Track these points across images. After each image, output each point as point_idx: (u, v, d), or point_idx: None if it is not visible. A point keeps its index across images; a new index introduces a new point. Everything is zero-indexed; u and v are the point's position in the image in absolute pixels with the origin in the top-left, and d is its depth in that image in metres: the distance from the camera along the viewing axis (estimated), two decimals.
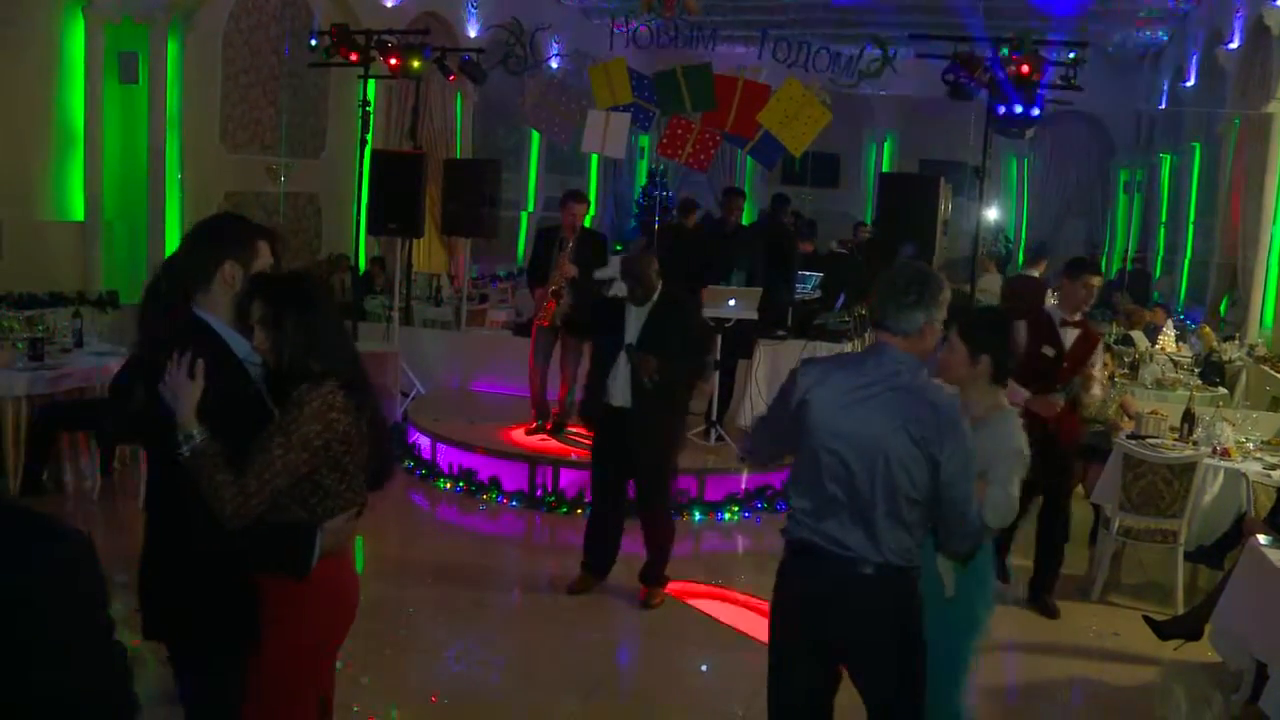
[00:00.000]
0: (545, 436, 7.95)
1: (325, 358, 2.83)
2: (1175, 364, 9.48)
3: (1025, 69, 7.92)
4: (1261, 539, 5.09)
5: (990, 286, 12.78)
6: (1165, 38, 16.70)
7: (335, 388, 2.82)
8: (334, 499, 2.85)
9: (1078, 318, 5.98)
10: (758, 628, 5.69)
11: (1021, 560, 6.33)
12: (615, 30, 10.28)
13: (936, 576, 3.33)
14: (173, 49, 10.01)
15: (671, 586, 5.97)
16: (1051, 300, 8.97)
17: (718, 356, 8.04)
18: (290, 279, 2.95)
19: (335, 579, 2.93)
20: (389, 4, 12.34)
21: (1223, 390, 8.94)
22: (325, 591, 2.90)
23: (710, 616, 5.90)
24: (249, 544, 2.78)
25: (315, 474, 2.80)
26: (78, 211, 9.66)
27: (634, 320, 5.77)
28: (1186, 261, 14.66)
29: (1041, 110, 8.25)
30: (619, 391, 5.73)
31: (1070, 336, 5.93)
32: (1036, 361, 5.73)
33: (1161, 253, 16.44)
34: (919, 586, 3.08)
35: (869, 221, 16.32)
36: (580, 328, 7.62)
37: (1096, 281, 6.12)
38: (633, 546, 6.04)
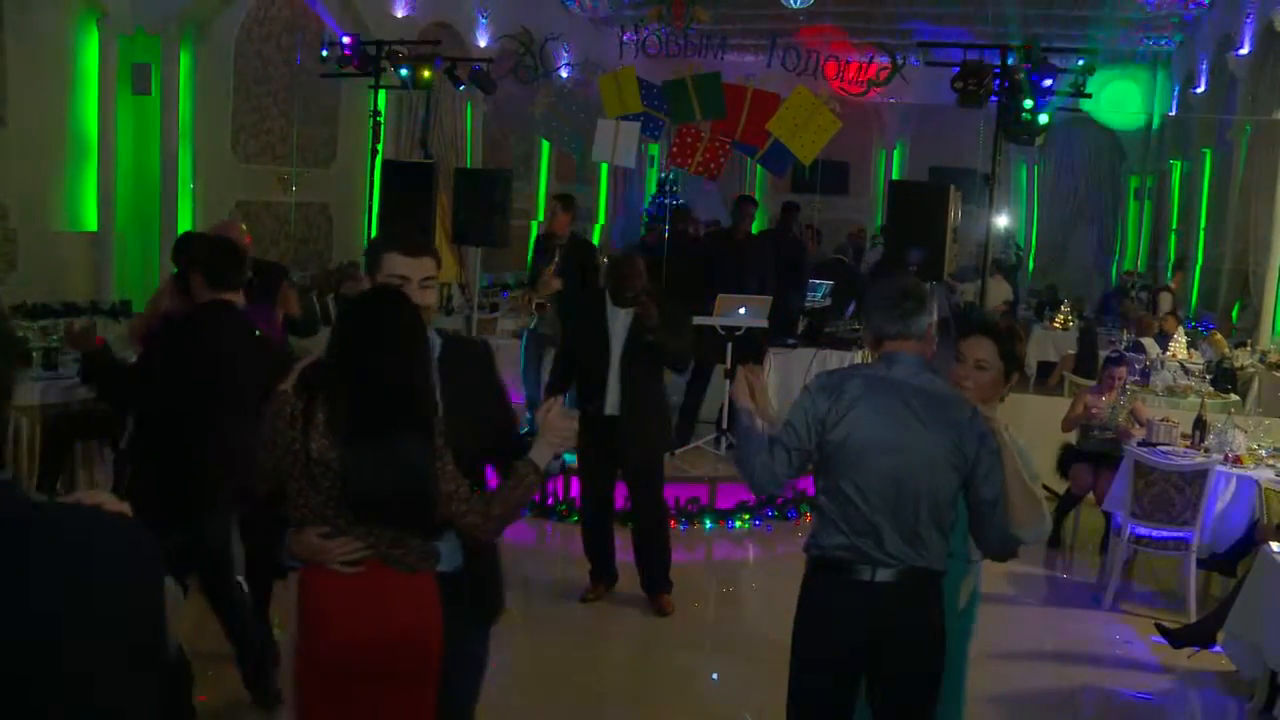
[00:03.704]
0: None
1: (336, 366, 2.79)
2: (1187, 371, 9.45)
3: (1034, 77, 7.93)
4: (1274, 546, 5.08)
5: (998, 294, 12.80)
6: (1175, 44, 16.67)
7: (292, 397, 2.74)
8: (297, 510, 2.77)
9: None
10: (769, 635, 5.70)
11: None
12: (624, 39, 10.31)
13: (950, 590, 3.28)
14: (185, 60, 10.07)
15: (682, 595, 5.98)
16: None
17: (728, 364, 8.06)
18: (363, 293, 2.95)
19: (323, 605, 2.79)
20: (399, 15, 12.39)
21: (1235, 397, 8.91)
22: (314, 608, 2.81)
23: (721, 624, 5.90)
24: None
25: (287, 477, 2.77)
26: (91, 222, 9.71)
27: (619, 323, 5.77)
28: (1198, 268, 14.61)
29: (1051, 117, 8.25)
30: (610, 399, 5.76)
31: None
32: None
33: (1172, 259, 16.39)
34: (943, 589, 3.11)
35: (879, 229, 16.31)
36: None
37: None
38: (626, 555, 6.05)
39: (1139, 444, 6.64)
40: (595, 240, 18.51)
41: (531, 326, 8.03)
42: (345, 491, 2.70)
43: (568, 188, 17.58)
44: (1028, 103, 7.98)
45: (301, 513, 2.77)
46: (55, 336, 7.71)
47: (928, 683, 3.10)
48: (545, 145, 16.04)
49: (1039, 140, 8.93)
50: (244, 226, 6.77)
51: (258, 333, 4.48)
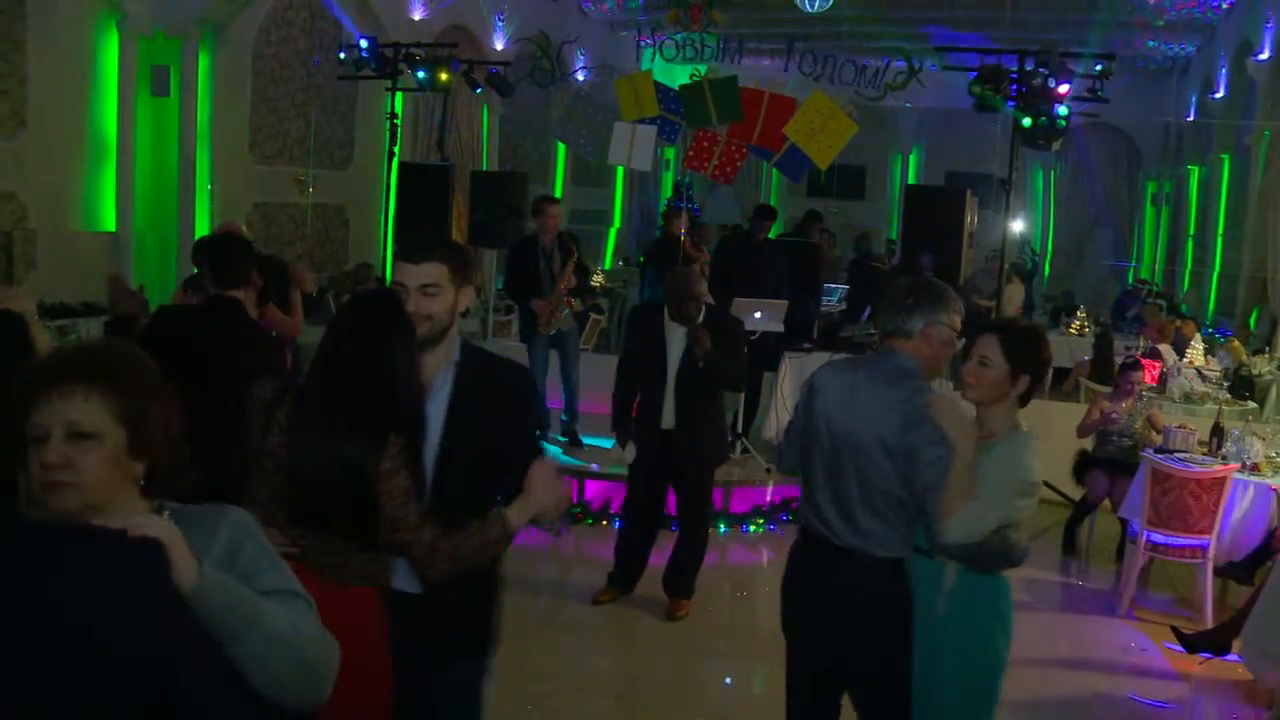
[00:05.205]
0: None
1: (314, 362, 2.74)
2: (1204, 377, 9.40)
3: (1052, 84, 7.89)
4: None
5: (1013, 298, 12.75)
6: (1193, 49, 16.60)
7: (270, 386, 2.69)
8: (251, 496, 2.70)
9: None
10: (783, 639, 5.69)
11: None
12: (641, 43, 10.31)
13: (929, 603, 3.17)
14: (204, 62, 10.14)
15: (696, 598, 5.98)
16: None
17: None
18: (360, 293, 3.05)
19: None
20: (417, 17, 12.43)
21: (1252, 404, 8.85)
22: None
23: (735, 628, 5.90)
24: None
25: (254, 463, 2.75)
26: (109, 222, 9.77)
27: (677, 339, 5.75)
28: (1215, 274, 14.53)
29: (1068, 122, 8.21)
30: (665, 414, 5.76)
31: None
32: None
33: (1190, 265, 16.31)
34: (908, 581, 3.15)
35: (894, 236, 16.28)
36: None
37: None
38: (656, 559, 6.05)
39: (1155, 450, 6.61)
40: (611, 244, 18.57)
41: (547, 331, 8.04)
42: (289, 490, 2.56)
43: (583, 191, 17.69)
44: (1044, 107, 7.95)
45: (254, 500, 2.66)
46: (74, 336, 7.79)
47: (883, 667, 3.16)
48: (561, 148, 16.08)
49: (1056, 145, 8.89)
50: (244, 227, 6.78)
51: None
